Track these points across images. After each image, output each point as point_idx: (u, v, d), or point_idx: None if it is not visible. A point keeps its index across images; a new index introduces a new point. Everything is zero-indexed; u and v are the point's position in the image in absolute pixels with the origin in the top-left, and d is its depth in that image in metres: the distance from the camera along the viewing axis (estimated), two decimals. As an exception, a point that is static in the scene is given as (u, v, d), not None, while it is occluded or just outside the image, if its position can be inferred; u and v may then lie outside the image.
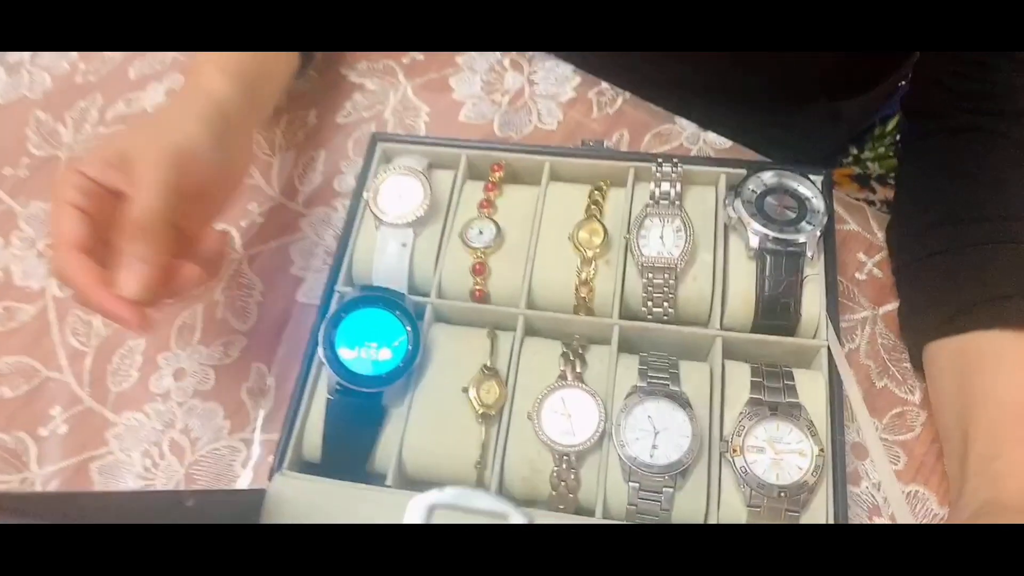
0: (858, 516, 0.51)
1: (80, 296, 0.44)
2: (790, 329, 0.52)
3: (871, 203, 0.92)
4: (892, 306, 0.58)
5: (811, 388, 0.49)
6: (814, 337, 0.52)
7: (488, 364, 0.51)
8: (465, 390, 0.50)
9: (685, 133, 0.67)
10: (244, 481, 0.55)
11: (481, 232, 0.55)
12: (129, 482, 0.56)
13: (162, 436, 0.58)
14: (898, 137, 0.96)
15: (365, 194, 0.57)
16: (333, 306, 0.54)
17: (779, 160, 0.62)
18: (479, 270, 0.55)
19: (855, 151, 0.96)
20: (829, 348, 0.51)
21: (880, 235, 0.61)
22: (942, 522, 0.50)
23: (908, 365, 0.56)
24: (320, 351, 0.50)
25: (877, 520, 0.51)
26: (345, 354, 0.50)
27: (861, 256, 0.61)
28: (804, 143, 0.81)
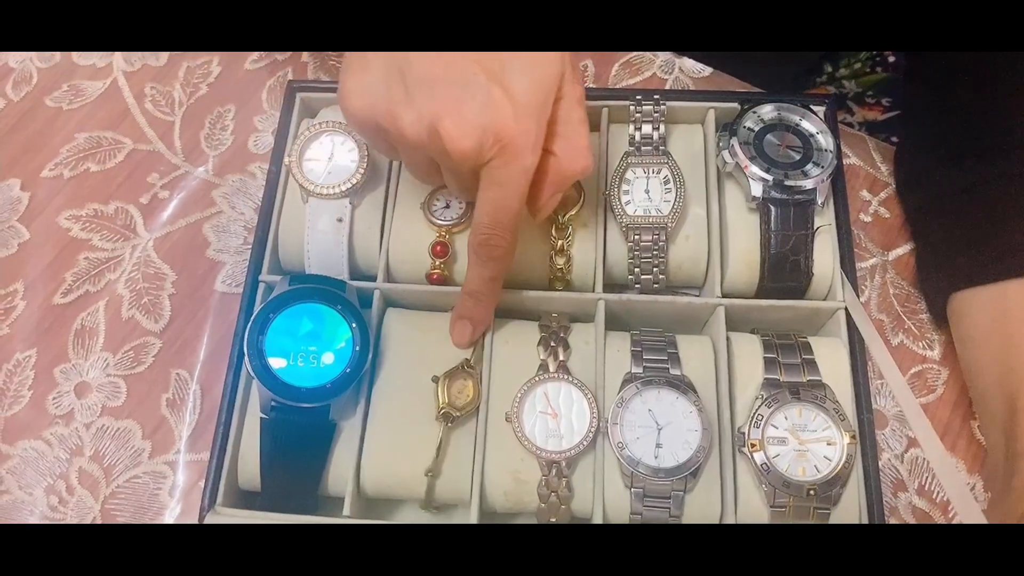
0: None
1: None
2: (801, 291, 0.45)
3: (849, 125, 0.85)
4: (904, 249, 0.52)
5: (831, 359, 0.43)
6: (827, 297, 0.45)
7: (469, 359, 0.43)
8: (436, 379, 0.42)
9: (658, 61, 0.58)
10: (173, 515, 0.47)
11: (448, 205, 0.46)
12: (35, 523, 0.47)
13: (68, 467, 0.48)
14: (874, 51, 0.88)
15: (286, 159, 0.46)
16: (259, 303, 0.44)
17: (753, 82, 0.54)
18: (440, 251, 0.45)
19: (828, 68, 0.88)
20: (848, 310, 0.44)
21: (884, 168, 0.54)
22: (973, 493, 0.45)
23: (925, 316, 0.49)
24: (247, 363, 0.41)
25: (902, 495, 0.46)
26: (278, 364, 0.41)
27: (865, 194, 0.54)
28: (780, 61, 0.72)
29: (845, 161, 0.54)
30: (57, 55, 0.60)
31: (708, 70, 0.58)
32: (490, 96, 0.33)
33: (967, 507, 0.36)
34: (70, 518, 0.47)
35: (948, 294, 0.45)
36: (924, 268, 0.48)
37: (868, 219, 0.53)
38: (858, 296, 0.45)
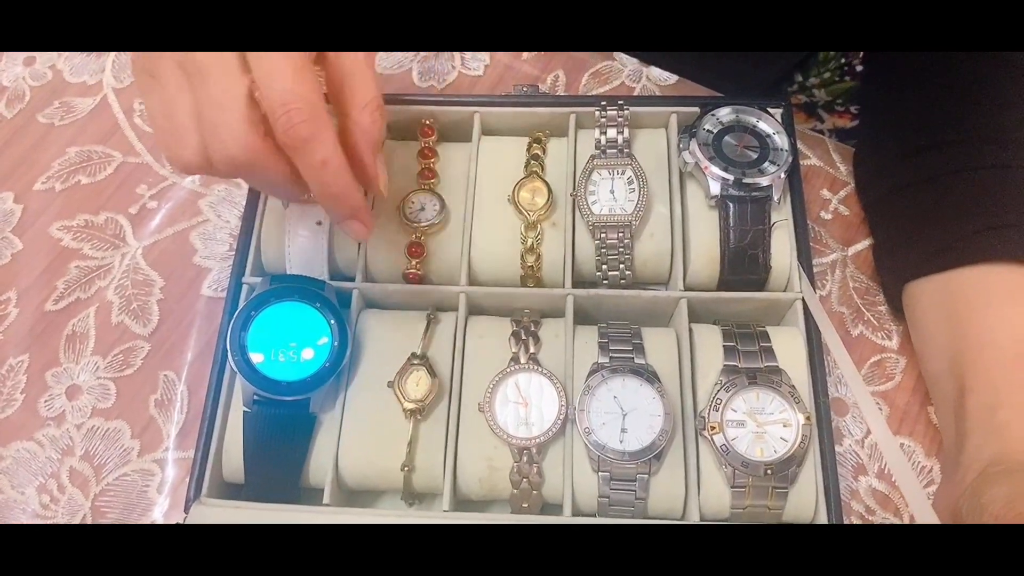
0: (843, 477, 0.47)
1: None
2: (760, 283, 0.47)
3: (820, 132, 0.88)
4: (862, 245, 0.54)
5: (789, 347, 0.45)
6: (785, 289, 0.48)
7: (417, 352, 0.45)
8: (391, 384, 0.44)
9: (626, 71, 0.61)
10: (160, 510, 0.48)
11: (423, 208, 0.48)
12: (24, 523, 0.49)
13: (60, 466, 0.50)
14: (843, 60, 0.91)
15: (268, 167, 0.49)
16: (242, 302, 0.46)
17: (725, 92, 0.57)
18: (416, 251, 0.47)
19: (799, 77, 0.91)
20: (804, 300, 0.46)
21: (843, 168, 0.56)
22: (930, 476, 0.47)
23: (884, 308, 0.52)
24: (230, 358, 0.42)
25: (863, 479, 0.47)
26: (260, 359, 0.43)
27: (825, 193, 0.56)
28: (750, 70, 0.75)
29: (805, 162, 0.57)
30: (49, 73, 0.62)
31: (674, 78, 0.60)
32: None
33: (910, 486, 0.38)
34: (61, 516, 0.49)
35: (901, 284, 0.47)
36: (880, 260, 0.51)
37: (828, 216, 0.55)
38: (816, 289, 0.47)
